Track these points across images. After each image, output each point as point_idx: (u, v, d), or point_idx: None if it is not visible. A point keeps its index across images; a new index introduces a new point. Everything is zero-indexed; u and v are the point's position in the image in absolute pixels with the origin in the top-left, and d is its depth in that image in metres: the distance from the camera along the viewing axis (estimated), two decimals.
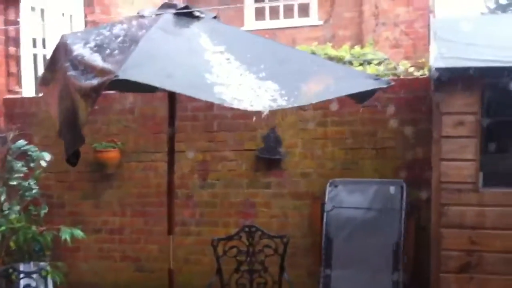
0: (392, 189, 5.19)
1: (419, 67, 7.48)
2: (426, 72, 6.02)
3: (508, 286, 3.57)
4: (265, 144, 5.62)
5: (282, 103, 2.73)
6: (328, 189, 5.36)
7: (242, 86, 2.70)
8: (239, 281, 4.15)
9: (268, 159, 5.60)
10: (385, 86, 3.46)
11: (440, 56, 3.94)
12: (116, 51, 2.71)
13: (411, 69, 6.50)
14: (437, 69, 3.80)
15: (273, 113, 5.50)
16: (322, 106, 5.43)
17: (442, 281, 3.69)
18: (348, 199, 5.30)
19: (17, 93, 6.26)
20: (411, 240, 5.12)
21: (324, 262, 5.26)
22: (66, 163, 2.73)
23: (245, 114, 5.63)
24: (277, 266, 4.18)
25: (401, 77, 5.88)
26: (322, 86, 3.13)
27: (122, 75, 2.35)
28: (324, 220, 5.31)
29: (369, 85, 3.39)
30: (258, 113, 5.47)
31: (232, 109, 5.51)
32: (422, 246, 4.99)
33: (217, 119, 5.77)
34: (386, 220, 5.15)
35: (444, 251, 3.71)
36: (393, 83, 3.69)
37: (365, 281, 5.02)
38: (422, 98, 5.20)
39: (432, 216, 3.83)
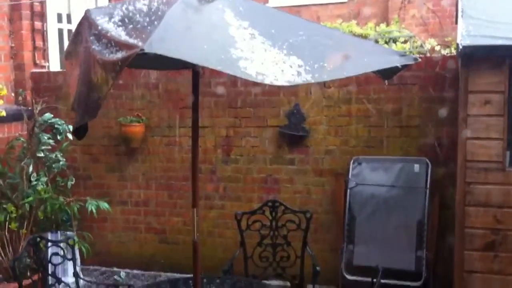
0: (416, 167, 5.17)
1: (446, 45, 7.38)
2: (453, 50, 5.93)
3: None
4: (288, 120, 5.62)
5: (307, 78, 2.71)
6: (351, 166, 5.36)
7: (266, 61, 2.68)
8: (262, 254, 4.19)
9: (292, 135, 5.60)
10: (412, 62, 3.41)
11: (467, 34, 3.87)
12: (140, 26, 2.71)
13: (438, 47, 6.42)
14: (464, 47, 3.74)
15: (297, 89, 5.53)
16: (347, 83, 5.41)
17: (466, 258, 3.68)
18: (372, 176, 5.29)
19: (43, 67, 6.35)
20: (435, 218, 5.11)
21: (346, 238, 5.28)
22: (74, 135, 2.76)
23: (269, 91, 5.65)
24: (299, 240, 4.21)
25: (428, 55, 5.80)
26: (348, 62, 3.09)
27: (147, 49, 2.36)
28: (347, 197, 5.32)
29: (396, 61, 3.34)
30: (283, 88, 5.50)
31: (256, 85, 5.55)
32: (446, 224, 4.98)
33: (241, 95, 5.78)
34: (410, 198, 5.14)
35: (468, 229, 3.69)
36: (419, 60, 3.65)
37: (388, 257, 5.02)
38: (449, 76, 5.14)
39: (457, 194, 3.80)
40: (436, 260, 5.07)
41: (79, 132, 2.76)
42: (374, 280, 2.70)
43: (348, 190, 5.33)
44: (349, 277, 5.22)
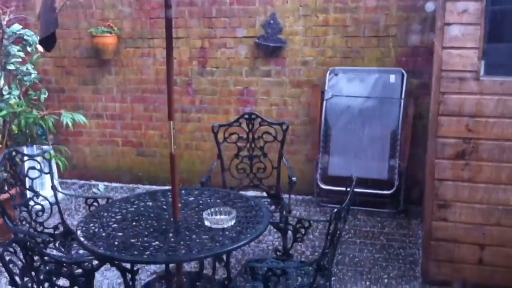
0: (392, 77, 5.18)
1: None
2: None
3: (500, 172, 3.65)
4: (264, 31, 5.51)
5: None
6: (328, 77, 5.35)
7: None
8: (239, 166, 4.23)
9: (268, 46, 5.52)
10: None
11: None
12: None
13: None
14: None
15: None
16: None
17: (437, 166, 3.76)
18: (348, 87, 5.30)
19: None
20: (408, 128, 5.19)
21: (322, 148, 5.37)
22: (40, 45, 2.66)
23: (244, 0, 5.49)
24: (276, 152, 4.26)
25: None
26: None
27: None
28: (323, 108, 5.35)
29: None
30: None
31: None
32: (420, 134, 5.07)
33: (215, 4, 5.61)
34: (385, 108, 5.19)
35: (441, 139, 3.75)
36: None
37: (362, 167, 5.15)
38: None
39: (431, 104, 3.83)
40: (408, 169, 5.21)
41: (47, 42, 2.66)
42: (348, 189, 2.76)
43: (324, 102, 5.35)
44: (324, 186, 5.36)
